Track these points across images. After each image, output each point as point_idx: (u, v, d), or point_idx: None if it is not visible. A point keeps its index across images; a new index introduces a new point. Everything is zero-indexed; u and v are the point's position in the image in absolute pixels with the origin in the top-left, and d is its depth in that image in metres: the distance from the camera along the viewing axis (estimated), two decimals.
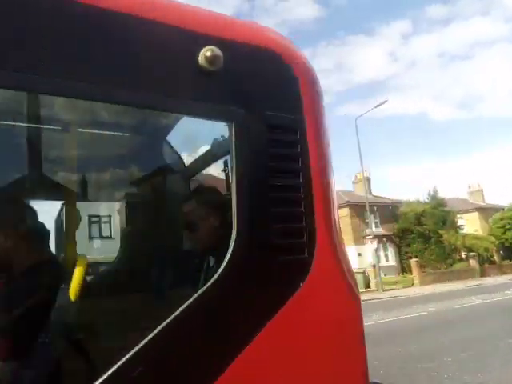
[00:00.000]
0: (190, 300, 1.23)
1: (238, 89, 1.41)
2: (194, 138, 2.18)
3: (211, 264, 1.79)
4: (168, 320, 1.18)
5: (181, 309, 1.20)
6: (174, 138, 2.32)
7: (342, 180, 51.53)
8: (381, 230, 36.39)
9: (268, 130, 1.41)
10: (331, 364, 1.42)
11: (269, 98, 1.47)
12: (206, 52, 1.31)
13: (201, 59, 1.31)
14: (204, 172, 2.30)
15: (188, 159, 2.40)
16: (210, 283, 1.27)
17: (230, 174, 1.45)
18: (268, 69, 1.49)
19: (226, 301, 1.31)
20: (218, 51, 1.31)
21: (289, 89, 1.52)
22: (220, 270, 1.27)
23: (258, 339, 1.29)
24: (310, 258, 1.44)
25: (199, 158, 2.26)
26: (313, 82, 1.61)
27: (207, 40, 1.34)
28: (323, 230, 1.49)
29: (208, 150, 2.03)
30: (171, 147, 2.47)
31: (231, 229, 1.31)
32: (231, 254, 1.28)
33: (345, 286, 1.54)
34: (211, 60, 1.30)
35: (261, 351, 1.30)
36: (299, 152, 1.46)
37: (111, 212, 3.68)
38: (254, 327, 1.29)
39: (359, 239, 33.84)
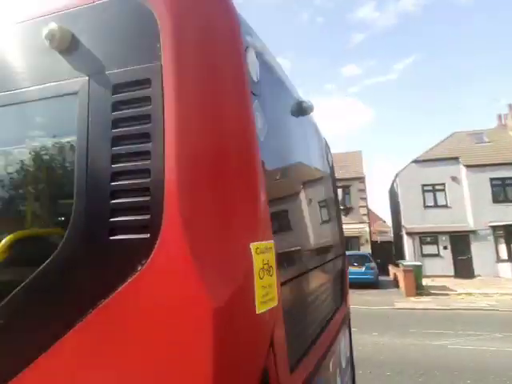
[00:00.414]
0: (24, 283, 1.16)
1: (86, 56, 1.22)
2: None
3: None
4: None
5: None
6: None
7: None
8: None
9: (113, 90, 1.16)
10: (158, 362, 1.03)
11: (118, 53, 1.20)
12: (49, 34, 1.23)
13: (47, 42, 1.25)
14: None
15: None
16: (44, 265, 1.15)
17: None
18: (118, 20, 1.23)
19: (52, 284, 1.17)
20: (60, 30, 1.22)
21: (144, 35, 1.19)
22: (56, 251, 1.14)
23: (81, 327, 1.10)
24: (152, 240, 1.06)
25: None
26: (183, 17, 1.18)
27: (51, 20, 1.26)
28: (177, 208, 1.06)
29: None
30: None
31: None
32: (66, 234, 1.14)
33: (191, 283, 1.03)
34: (54, 41, 1.23)
35: (83, 338, 1.10)
36: (149, 112, 1.12)
37: None
38: (77, 313, 1.10)
39: None
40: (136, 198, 1.10)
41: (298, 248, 1.79)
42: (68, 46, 1.22)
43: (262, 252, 1.15)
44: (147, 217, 1.07)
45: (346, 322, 2.94)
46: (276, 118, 1.71)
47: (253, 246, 1.11)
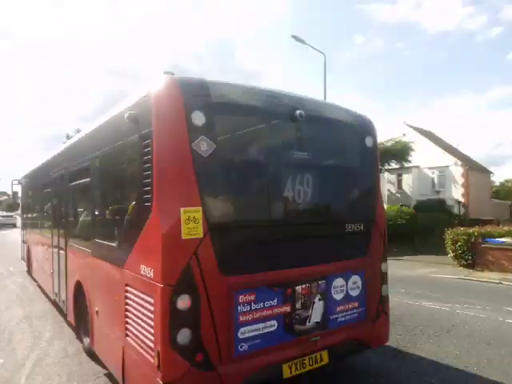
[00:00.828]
0: None
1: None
2: None
3: None
4: None
5: None
6: None
7: None
8: None
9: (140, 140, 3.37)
10: None
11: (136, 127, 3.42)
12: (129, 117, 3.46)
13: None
14: None
15: None
16: None
17: None
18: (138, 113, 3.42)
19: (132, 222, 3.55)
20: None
21: (146, 119, 3.24)
22: None
23: (141, 237, 3.24)
24: (151, 207, 3.05)
25: None
26: None
27: None
28: (159, 193, 2.99)
29: None
30: None
31: None
32: None
33: (158, 220, 2.97)
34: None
35: (141, 242, 3.27)
36: (150, 150, 3.13)
37: None
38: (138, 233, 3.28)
39: None
40: (146, 189, 3.13)
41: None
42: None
43: (189, 212, 2.92)
44: (149, 196, 3.06)
45: (362, 272, 4.02)
46: (236, 130, 3.63)
47: (182, 209, 2.90)
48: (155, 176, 2.98)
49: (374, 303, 4.14)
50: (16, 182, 11.40)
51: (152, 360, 2.92)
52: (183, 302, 2.84)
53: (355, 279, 3.97)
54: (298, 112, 3.49)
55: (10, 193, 17.12)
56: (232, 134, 3.58)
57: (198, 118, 2.98)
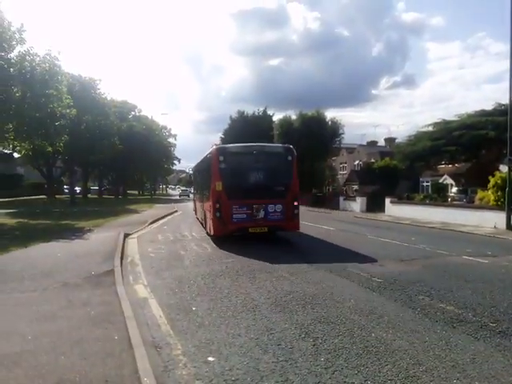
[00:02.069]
0: None
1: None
2: None
3: None
4: None
5: None
6: None
7: None
8: None
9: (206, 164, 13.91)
10: None
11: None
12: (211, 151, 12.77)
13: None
14: None
15: None
16: None
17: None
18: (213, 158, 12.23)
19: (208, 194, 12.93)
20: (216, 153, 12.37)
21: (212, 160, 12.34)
22: None
23: (208, 200, 12.93)
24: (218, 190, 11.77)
25: None
26: None
27: None
28: (217, 186, 11.73)
29: None
30: None
31: None
32: None
33: (216, 189, 11.81)
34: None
35: (208, 202, 13.05)
36: (210, 171, 12.55)
37: None
38: (207, 199, 13.21)
39: None
40: (211, 178, 12.05)
41: (241, 187, 11.76)
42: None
43: (218, 183, 11.71)
44: (211, 180, 12.01)
45: (282, 203, 11.90)
46: (239, 160, 12.03)
47: (216, 183, 11.75)
48: (212, 173, 11.81)
49: (290, 214, 11.89)
50: (190, 169, 23.88)
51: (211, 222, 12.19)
52: (217, 205, 11.51)
53: (279, 206, 11.76)
54: (254, 151, 12.11)
55: (187, 172, 40.05)
56: (231, 160, 11.79)
57: (221, 157, 11.69)
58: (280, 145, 14.20)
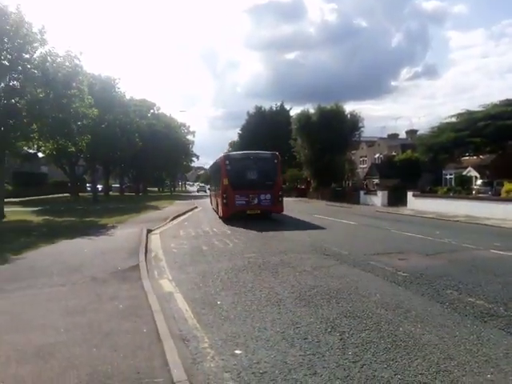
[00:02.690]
0: None
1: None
2: None
3: None
4: None
5: None
6: None
7: None
8: None
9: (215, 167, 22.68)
10: None
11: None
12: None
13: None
14: None
15: None
16: None
17: None
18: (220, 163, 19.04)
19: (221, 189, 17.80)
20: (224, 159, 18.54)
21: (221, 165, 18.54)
22: None
23: (221, 194, 17.70)
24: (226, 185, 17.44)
25: None
26: None
27: None
28: (225, 181, 17.16)
29: None
30: None
31: None
32: None
33: (225, 183, 17.18)
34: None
35: (219, 193, 19.01)
36: (220, 171, 18.22)
37: None
38: (222, 191, 17.45)
39: None
40: (221, 176, 17.65)
41: (241, 182, 16.92)
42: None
43: (226, 179, 17.06)
44: (222, 177, 17.34)
45: (270, 193, 17.08)
46: (240, 164, 17.49)
47: (224, 179, 17.05)
48: (221, 173, 17.29)
49: (276, 201, 17.12)
50: (208, 166, 36.94)
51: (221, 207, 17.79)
52: (225, 194, 16.82)
53: (268, 195, 16.90)
54: (250, 157, 18.13)
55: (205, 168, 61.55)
56: (234, 163, 17.35)
57: (227, 162, 17.32)
58: (268, 152, 18.80)
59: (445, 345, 4.04)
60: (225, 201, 16.77)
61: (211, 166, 28.24)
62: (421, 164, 32.81)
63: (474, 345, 4.03)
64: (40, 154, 37.15)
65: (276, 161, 17.50)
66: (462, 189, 23.91)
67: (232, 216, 16.67)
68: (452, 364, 3.62)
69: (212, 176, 27.01)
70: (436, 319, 4.77)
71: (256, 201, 16.67)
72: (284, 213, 18.14)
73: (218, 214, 19.29)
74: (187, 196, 52.96)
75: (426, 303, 5.40)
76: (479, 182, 27.64)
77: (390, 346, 4.03)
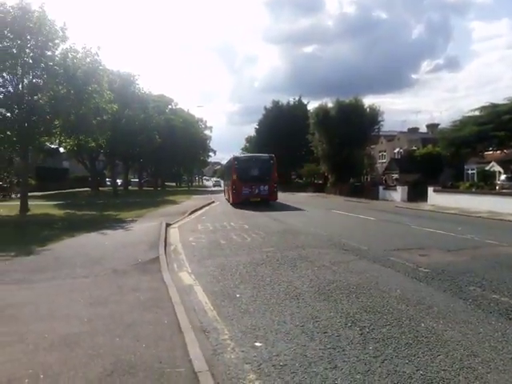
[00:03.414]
0: None
1: None
2: None
3: None
4: None
5: None
6: None
7: None
8: None
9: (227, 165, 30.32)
10: None
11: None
12: None
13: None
14: None
15: None
16: None
17: None
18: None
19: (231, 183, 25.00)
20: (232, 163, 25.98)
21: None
22: None
23: (231, 187, 24.43)
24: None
25: None
26: None
27: None
28: (233, 177, 23.74)
29: None
30: None
31: None
32: None
33: (234, 179, 23.62)
34: None
35: (229, 188, 26.24)
36: (232, 169, 24.63)
37: None
38: (232, 185, 24.34)
39: None
40: (232, 173, 24.18)
41: (246, 177, 22.98)
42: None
43: (235, 175, 23.25)
44: (232, 174, 23.81)
45: (267, 186, 22.91)
46: (245, 164, 23.83)
47: (234, 175, 23.32)
48: (232, 170, 23.67)
49: (272, 191, 23.00)
50: (225, 161, 46.04)
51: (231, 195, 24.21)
52: (234, 186, 22.91)
53: (266, 186, 22.70)
54: (253, 159, 24.92)
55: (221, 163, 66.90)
56: (241, 163, 23.78)
57: (236, 162, 23.88)
58: (266, 154, 24.86)
59: (468, 341, 3.96)
60: (234, 191, 23.01)
61: (224, 165, 39.78)
62: (442, 159, 32.10)
63: (499, 342, 3.94)
64: (61, 150, 38.04)
65: (272, 161, 23.42)
66: (485, 184, 23.29)
67: (239, 202, 22.54)
68: (476, 361, 3.55)
69: (225, 172, 35.93)
70: (459, 316, 4.68)
71: (257, 191, 22.57)
72: (303, 208, 18.19)
73: (229, 201, 25.59)
74: (204, 191, 53.39)
75: (448, 299, 5.30)
76: (503, 177, 26.84)
77: (411, 341, 3.98)
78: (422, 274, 6.61)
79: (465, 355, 3.67)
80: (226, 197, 27.93)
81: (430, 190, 24.88)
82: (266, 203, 22.79)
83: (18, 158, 20.35)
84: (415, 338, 4.05)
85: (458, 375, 3.31)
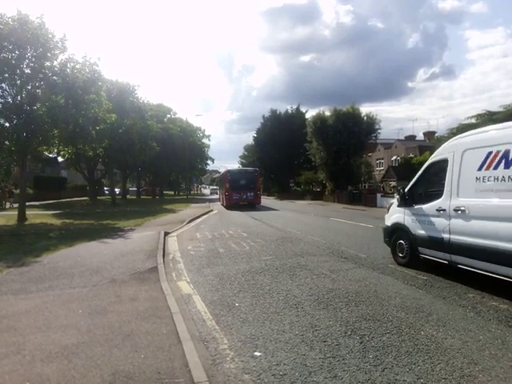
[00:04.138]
0: None
1: None
2: None
3: None
4: None
5: None
6: None
7: None
8: None
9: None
10: None
11: None
12: None
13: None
14: None
15: None
16: None
17: None
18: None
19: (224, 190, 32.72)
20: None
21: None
22: None
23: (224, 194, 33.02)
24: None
25: None
26: None
27: None
28: (227, 187, 31.01)
29: None
30: None
31: None
32: None
33: (228, 190, 30.96)
34: None
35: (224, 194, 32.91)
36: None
37: None
38: (226, 194, 31.72)
39: None
40: (226, 185, 31.55)
41: (236, 186, 30.16)
42: None
43: (228, 184, 30.43)
44: (224, 184, 32.09)
45: (253, 193, 30.28)
46: (235, 175, 31.17)
47: (226, 184, 30.72)
48: (225, 180, 31.20)
49: (257, 196, 30.67)
50: (222, 169, 56.97)
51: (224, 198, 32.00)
52: (227, 193, 29.98)
53: (252, 193, 30.02)
54: (242, 171, 34.21)
55: (219, 172, 69.35)
56: (233, 175, 30.97)
57: (228, 174, 31.28)
58: (252, 168, 33.92)
59: (468, 349, 3.95)
60: (227, 197, 29.85)
61: (219, 176, 48.68)
62: None
63: (499, 349, 3.94)
64: (60, 159, 38.04)
65: (256, 173, 31.22)
66: None
67: (231, 205, 28.95)
68: (476, 369, 3.54)
69: (220, 182, 43.65)
70: (458, 323, 4.68)
71: (245, 196, 29.51)
72: (301, 216, 17.85)
73: (223, 205, 32.34)
74: (202, 199, 53.34)
75: (447, 307, 5.29)
76: None
77: (411, 349, 3.97)
78: (421, 282, 6.61)
79: (465, 363, 3.65)
80: (221, 201, 35.19)
81: None
82: (253, 206, 29.83)
83: (16, 167, 20.37)
84: (415, 346, 4.04)
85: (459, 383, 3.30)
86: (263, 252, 9.96)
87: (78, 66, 18.87)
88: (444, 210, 6.58)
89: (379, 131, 40.03)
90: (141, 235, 13.33)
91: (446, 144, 7.33)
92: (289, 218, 21.15)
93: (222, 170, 52.05)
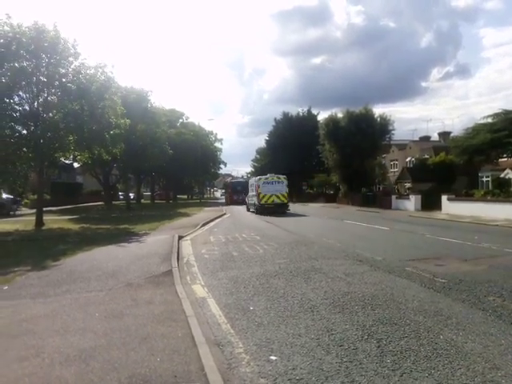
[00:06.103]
0: None
1: None
2: None
3: None
4: None
5: None
6: None
7: None
8: None
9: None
10: None
11: None
12: None
13: None
14: None
15: None
16: None
17: None
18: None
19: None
20: None
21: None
22: None
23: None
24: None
25: None
26: None
27: None
28: (230, 194, 47.30)
29: None
30: None
31: None
32: None
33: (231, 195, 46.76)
34: None
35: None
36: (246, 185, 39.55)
37: None
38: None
39: None
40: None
41: (235, 191, 45.79)
42: None
43: (230, 190, 49.11)
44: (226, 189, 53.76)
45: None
46: (234, 184, 49.71)
47: (229, 189, 50.26)
48: (228, 187, 52.07)
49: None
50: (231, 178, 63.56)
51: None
52: (229, 196, 48.22)
53: (244, 195, 37.00)
54: (240, 181, 52.17)
55: (232, 175, 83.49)
56: (233, 184, 49.39)
57: (230, 184, 51.48)
58: (245, 178, 51.80)
59: (490, 354, 3.85)
60: (230, 198, 45.57)
61: (224, 183, 66.09)
62: (455, 167, 31.70)
63: None
64: (75, 165, 38.62)
65: (245, 182, 39.87)
66: (501, 191, 22.87)
67: (231, 204, 41.55)
68: (499, 374, 3.44)
69: (225, 188, 58.17)
70: (479, 327, 4.57)
71: (240, 198, 39.56)
72: (315, 219, 17.72)
73: (227, 203, 44.90)
74: (215, 203, 53.65)
75: (467, 310, 5.18)
76: None
77: (430, 354, 3.89)
78: (439, 285, 6.49)
79: (487, 368, 3.56)
80: (225, 201, 49.97)
81: (444, 198, 24.54)
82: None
83: (33, 173, 20.76)
84: (434, 351, 3.95)
85: None
86: (277, 255, 9.93)
87: (90, 72, 19.16)
88: None
89: (393, 132, 39.56)
90: (155, 239, 13.44)
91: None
92: (302, 220, 21.07)
93: (235, 174, 58.40)
